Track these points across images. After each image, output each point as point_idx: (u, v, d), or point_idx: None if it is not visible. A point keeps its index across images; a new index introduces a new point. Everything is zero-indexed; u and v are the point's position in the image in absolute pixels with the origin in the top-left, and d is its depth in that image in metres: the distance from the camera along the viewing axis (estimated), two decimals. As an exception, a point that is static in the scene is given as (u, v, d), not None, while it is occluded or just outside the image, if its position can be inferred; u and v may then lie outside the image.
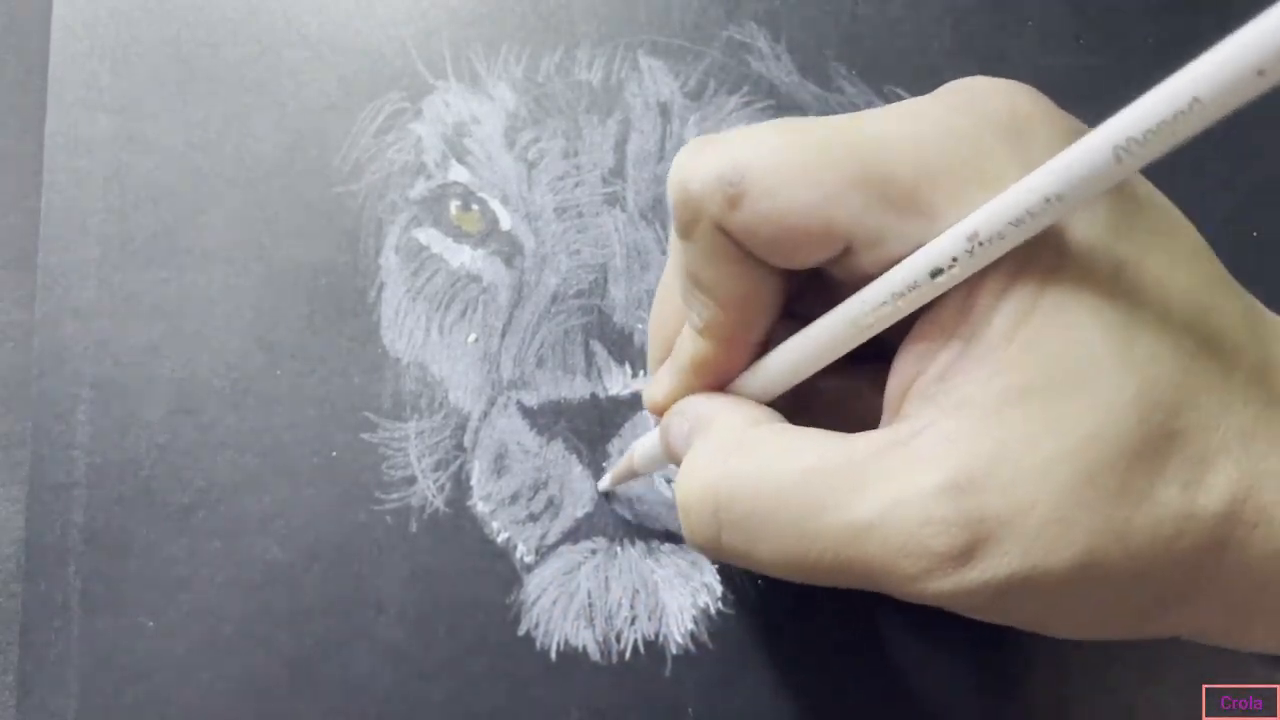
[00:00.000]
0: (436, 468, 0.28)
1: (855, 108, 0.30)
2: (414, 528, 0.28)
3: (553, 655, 0.27)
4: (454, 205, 0.29)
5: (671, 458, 0.21)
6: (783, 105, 0.30)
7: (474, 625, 0.27)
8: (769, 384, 0.20)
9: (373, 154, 0.29)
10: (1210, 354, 0.16)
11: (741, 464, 0.19)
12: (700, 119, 0.29)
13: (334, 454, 0.28)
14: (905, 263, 0.17)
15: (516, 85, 0.30)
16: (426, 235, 0.29)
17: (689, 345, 0.21)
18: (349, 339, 0.29)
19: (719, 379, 0.21)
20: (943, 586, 0.16)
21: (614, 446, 0.28)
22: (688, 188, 0.18)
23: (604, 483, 0.28)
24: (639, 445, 0.25)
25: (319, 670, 0.27)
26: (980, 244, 0.16)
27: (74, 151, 0.29)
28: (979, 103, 0.18)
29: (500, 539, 0.28)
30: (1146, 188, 0.18)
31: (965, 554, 0.16)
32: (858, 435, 0.18)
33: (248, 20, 0.30)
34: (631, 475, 0.26)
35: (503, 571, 0.28)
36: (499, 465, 0.28)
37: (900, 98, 0.30)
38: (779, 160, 0.18)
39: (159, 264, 0.29)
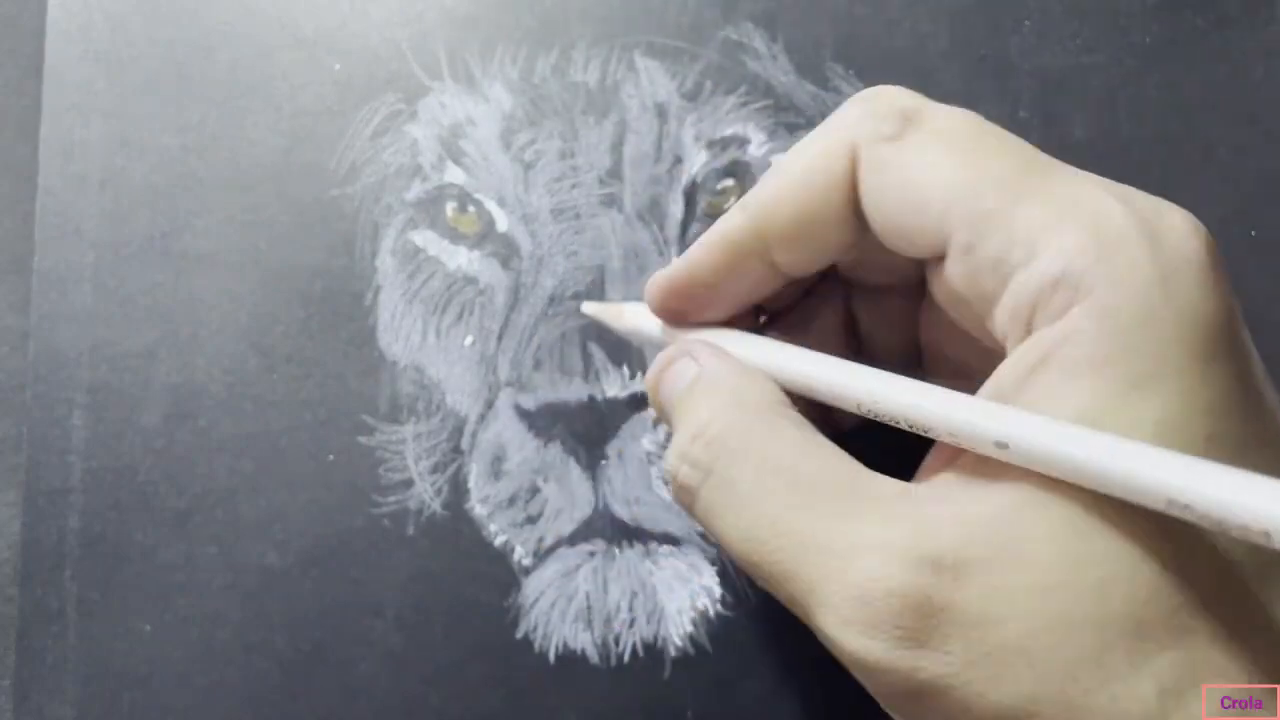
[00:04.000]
0: (434, 470, 0.28)
1: (852, 108, 0.30)
2: (411, 531, 0.28)
3: (551, 658, 0.27)
4: (450, 207, 0.29)
5: (656, 381, 0.21)
6: (780, 105, 0.30)
7: (472, 628, 0.27)
8: (774, 368, 0.20)
9: (368, 156, 0.29)
10: (1266, 567, 0.15)
11: (758, 432, 0.18)
12: (697, 119, 0.29)
13: (331, 458, 0.28)
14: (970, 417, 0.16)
15: (512, 86, 0.30)
16: (423, 237, 0.29)
17: (726, 221, 0.21)
18: (345, 342, 0.29)
19: (726, 282, 0.21)
20: (868, 650, 0.15)
21: (612, 448, 0.28)
22: (869, 96, 0.19)
23: (590, 308, 0.26)
24: (637, 316, 0.24)
25: (317, 674, 0.27)
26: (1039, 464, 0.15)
27: (69, 155, 0.29)
28: (1152, 216, 0.16)
29: (498, 542, 0.28)
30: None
31: (907, 632, 0.15)
32: (880, 476, 0.17)
33: (242, 23, 0.30)
34: (612, 327, 0.26)
35: (501, 574, 0.28)
36: (496, 468, 0.28)
37: (897, 97, 0.30)
38: (954, 130, 0.18)
39: (154, 268, 0.29)
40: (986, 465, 0.16)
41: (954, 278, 0.18)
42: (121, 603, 0.27)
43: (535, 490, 0.28)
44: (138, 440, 0.28)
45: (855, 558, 0.16)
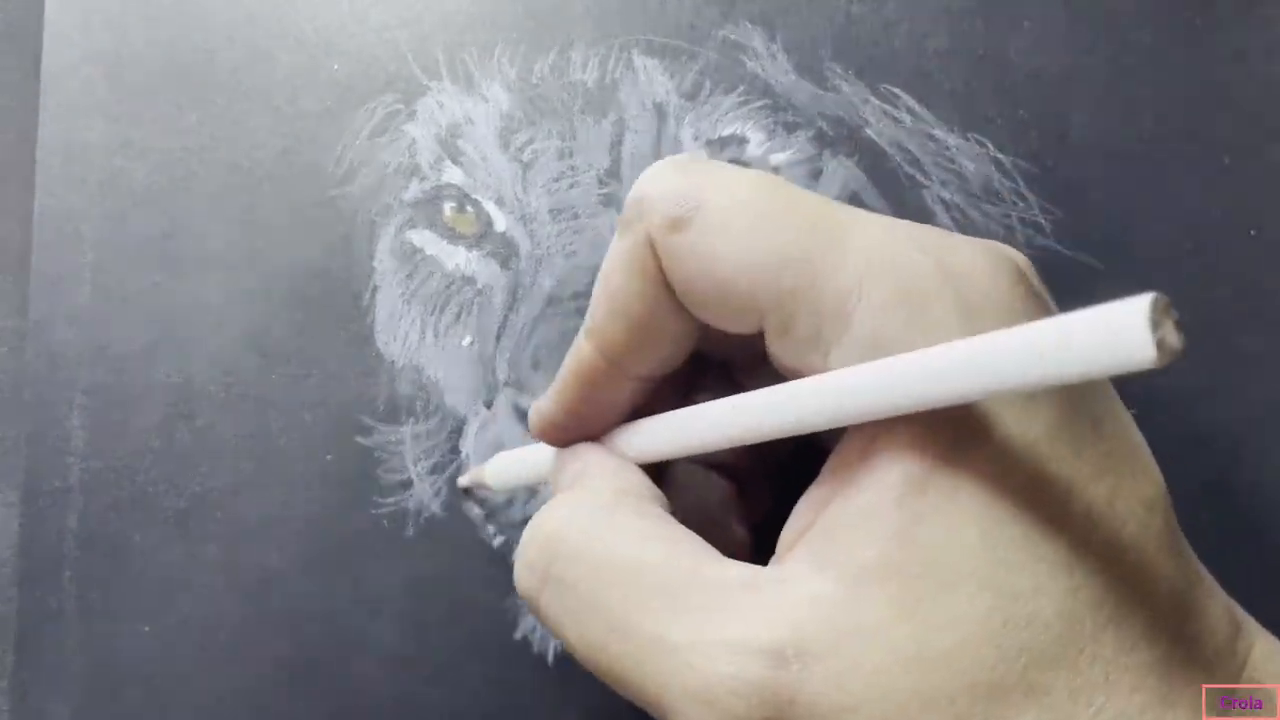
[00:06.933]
0: (433, 471, 0.28)
1: (852, 106, 0.30)
2: (410, 531, 0.28)
3: (550, 659, 0.27)
4: (448, 207, 0.29)
5: (554, 485, 0.21)
6: (779, 105, 0.30)
7: (471, 629, 0.27)
8: (648, 446, 0.19)
9: (367, 156, 0.29)
10: (1117, 612, 0.14)
11: (593, 529, 0.17)
12: (696, 119, 0.29)
13: (329, 458, 0.28)
14: (814, 382, 0.16)
15: (511, 86, 0.30)
16: (421, 237, 0.29)
17: (576, 351, 0.20)
18: (344, 343, 0.29)
19: (595, 404, 0.20)
20: None
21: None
22: (644, 190, 0.18)
23: (464, 480, 0.27)
24: (498, 461, 0.24)
25: (316, 675, 0.27)
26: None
27: (68, 156, 0.29)
28: (952, 259, 0.16)
29: (497, 542, 0.28)
30: (1119, 416, 0.16)
31: None
32: (731, 562, 0.16)
33: (241, 24, 0.30)
34: (483, 485, 0.26)
35: (499, 575, 0.28)
36: (495, 468, 0.28)
37: (896, 97, 0.30)
38: (738, 207, 0.17)
39: (153, 269, 0.29)
40: (830, 538, 0.15)
41: (778, 355, 0.17)
42: (120, 603, 0.27)
43: (533, 491, 0.28)
44: (137, 440, 0.28)
45: (697, 656, 0.15)
